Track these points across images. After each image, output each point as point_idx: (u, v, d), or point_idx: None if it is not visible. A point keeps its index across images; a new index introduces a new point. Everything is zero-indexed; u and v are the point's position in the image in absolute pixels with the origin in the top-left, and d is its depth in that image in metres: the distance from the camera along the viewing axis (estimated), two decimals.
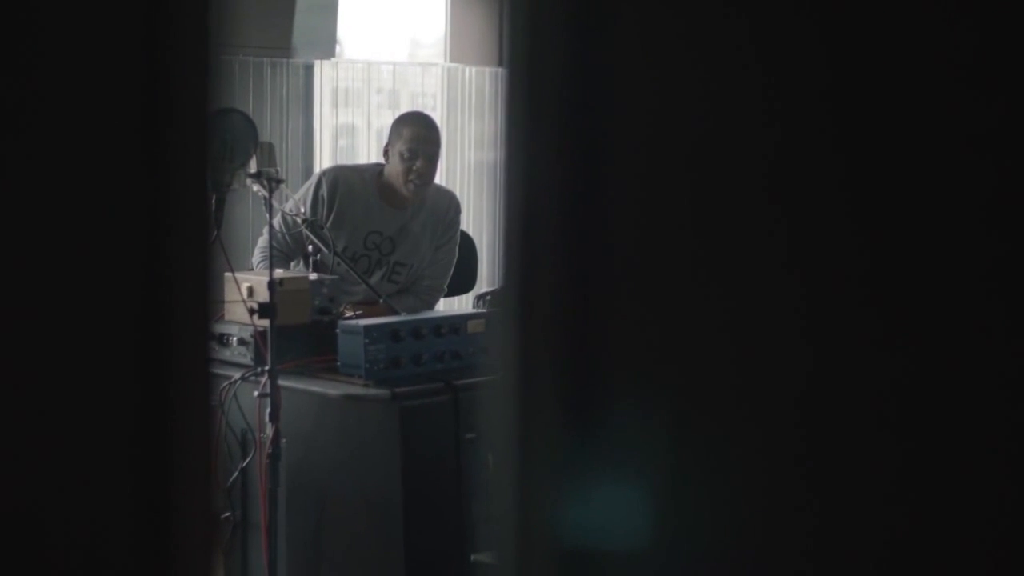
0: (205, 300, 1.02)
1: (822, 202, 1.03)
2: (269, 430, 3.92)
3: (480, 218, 7.34)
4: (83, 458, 1.02)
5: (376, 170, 4.93)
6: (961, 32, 1.01)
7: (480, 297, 5.14)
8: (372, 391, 3.98)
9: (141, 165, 1.01)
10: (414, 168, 4.76)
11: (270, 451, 3.93)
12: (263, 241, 4.60)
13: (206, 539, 1.03)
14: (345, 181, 4.85)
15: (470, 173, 7.73)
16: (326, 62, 7.17)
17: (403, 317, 4.27)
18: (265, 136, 5.67)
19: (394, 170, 4.80)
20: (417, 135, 4.81)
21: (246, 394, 4.06)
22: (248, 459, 4.12)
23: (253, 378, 4.05)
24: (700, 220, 1.05)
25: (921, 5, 1.02)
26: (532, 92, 1.05)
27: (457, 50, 7.89)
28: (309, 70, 6.99)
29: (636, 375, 1.06)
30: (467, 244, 5.31)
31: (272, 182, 4.04)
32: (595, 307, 1.05)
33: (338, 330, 4.10)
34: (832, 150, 1.04)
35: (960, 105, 1.01)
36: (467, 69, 7.77)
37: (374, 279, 4.78)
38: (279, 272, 4.14)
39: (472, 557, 3.90)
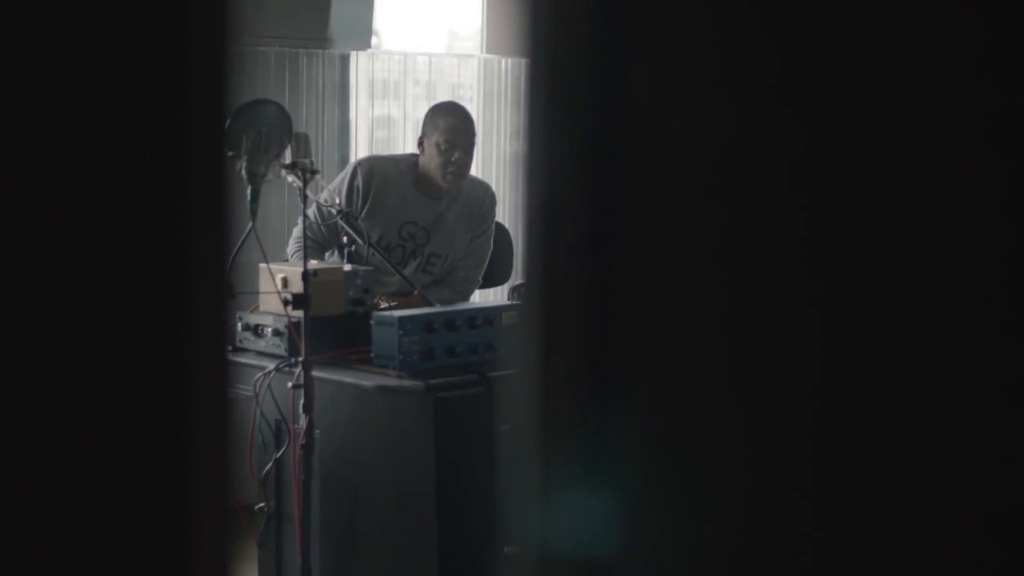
0: (221, 290, 1.01)
1: (840, 202, 1.02)
2: (303, 421, 3.92)
3: (516, 210, 7.32)
4: (97, 449, 1.01)
5: (411, 160, 4.92)
6: (983, 34, 1.00)
7: (515, 289, 5.13)
8: (406, 383, 3.97)
9: (156, 157, 1.01)
10: (452, 160, 4.75)
11: (304, 442, 3.94)
12: (298, 231, 4.60)
13: (220, 531, 1.03)
14: (380, 171, 4.85)
15: (506, 164, 7.72)
16: (362, 53, 7.17)
17: (437, 309, 4.26)
18: (301, 127, 5.68)
19: (431, 161, 4.79)
20: (454, 126, 4.79)
21: (280, 385, 4.06)
22: (282, 450, 4.13)
23: (287, 369, 4.05)
24: (720, 215, 1.04)
25: (943, 8, 1.01)
26: (553, 86, 1.04)
27: (494, 41, 7.88)
28: (345, 61, 6.99)
29: (655, 369, 1.05)
30: (502, 236, 5.30)
31: (307, 173, 4.03)
32: (615, 302, 1.04)
33: (372, 321, 4.09)
34: (852, 153, 1.02)
35: (980, 109, 1.00)
36: (504, 61, 7.76)
37: (409, 270, 4.77)
38: (313, 263, 4.14)
39: (505, 549, 3.89)
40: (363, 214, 4.71)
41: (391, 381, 3.99)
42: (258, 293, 4.22)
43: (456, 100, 6.59)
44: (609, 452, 1.05)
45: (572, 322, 1.05)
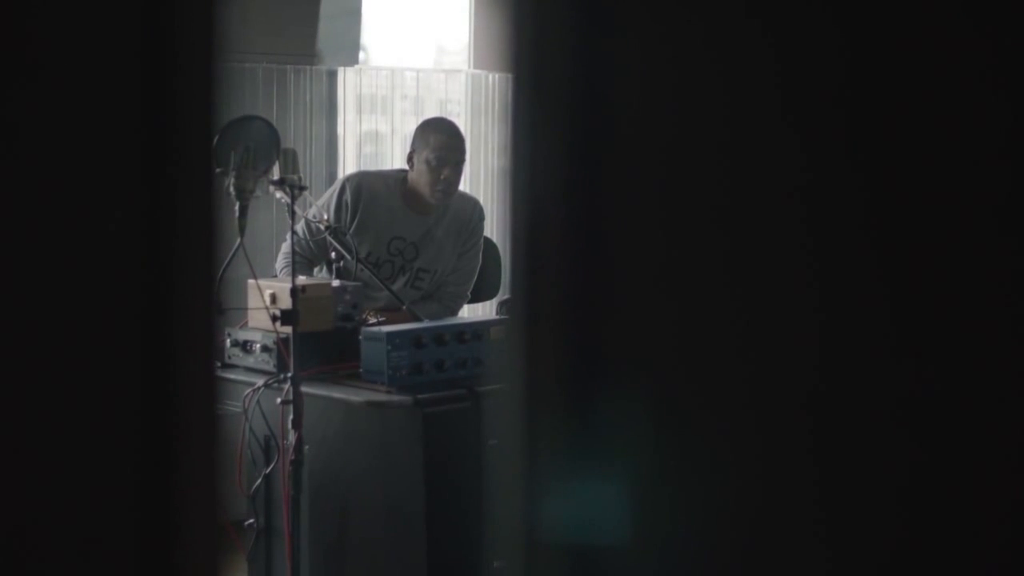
0: (210, 305, 1.02)
1: (835, 213, 1.03)
2: (292, 437, 3.92)
3: (504, 224, 7.32)
4: (86, 466, 1.02)
5: (400, 176, 4.93)
6: (983, 40, 1.01)
7: (503, 303, 5.13)
8: (395, 397, 3.98)
9: (145, 172, 1.01)
10: (442, 177, 4.76)
11: (293, 458, 3.93)
12: (286, 247, 4.60)
13: (210, 547, 1.03)
14: (369, 187, 4.85)
15: (494, 179, 7.72)
16: (350, 69, 7.17)
17: (426, 323, 4.26)
18: (289, 143, 5.68)
19: (420, 178, 4.79)
20: (444, 143, 4.79)
21: (269, 401, 4.06)
22: (271, 466, 4.12)
23: (276, 385, 4.05)
24: (705, 227, 1.04)
25: (941, 14, 1.01)
26: (538, 99, 1.05)
27: (481, 57, 7.89)
28: (333, 76, 6.99)
29: (641, 380, 1.06)
30: (491, 250, 5.30)
31: (295, 189, 4.04)
32: (600, 314, 1.05)
33: (361, 336, 4.10)
34: (846, 161, 1.03)
35: (981, 115, 1.01)
36: (491, 75, 7.77)
37: (397, 285, 4.77)
38: (302, 279, 4.14)
39: (495, 563, 3.89)
40: (352, 229, 4.71)
41: (380, 396, 3.99)
42: (246, 309, 4.22)
43: (445, 115, 6.59)
44: (595, 460, 1.05)
45: (557, 334, 1.06)
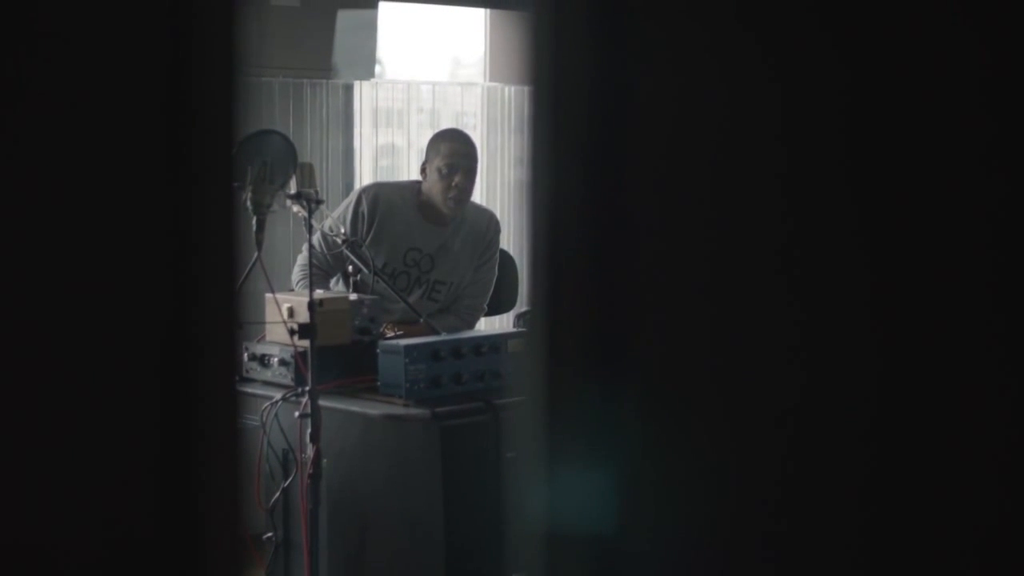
0: (229, 319, 1.02)
1: (832, 221, 1.03)
2: (310, 450, 3.92)
3: (520, 236, 7.32)
4: (108, 478, 1.02)
5: (415, 187, 4.94)
6: (975, 42, 1.01)
7: (520, 316, 5.14)
8: (413, 411, 3.98)
9: (164, 187, 1.02)
10: (453, 184, 4.77)
11: (311, 471, 3.94)
12: (303, 259, 4.61)
13: (233, 560, 1.03)
14: (385, 198, 4.86)
15: (510, 191, 7.73)
16: (366, 82, 7.19)
17: (443, 336, 4.26)
18: (305, 157, 5.69)
19: (433, 187, 4.81)
20: (455, 150, 4.81)
21: (287, 414, 4.07)
22: (289, 479, 4.12)
23: (294, 398, 4.05)
24: (726, 235, 1.04)
25: (934, 18, 1.02)
26: (556, 111, 1.05)
27: (497, 69, 7.90)
28: (349, 90, 7.00)
29: (663, 391, 1.06)
30: (507, 263, 5.30)
31: (311, 203, 4.05)
32: (620, 325, 1.05)
33: (378, 350, 4.10)
34: (844, 168, 1.03)
35: (971, 117, 1.01)
36: (507, 88, 7.78)
37: (414, 297, 4.78)
38: (319, 292, 4.14)
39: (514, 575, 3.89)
40: (368, 240, 4.72)
41: (397, 409, 4.00)
42: (264, 323, 4.23)
43: (459, 127, 6.60)
44: (614, 472, 1.05)
45: (576, 345, 1.06)
